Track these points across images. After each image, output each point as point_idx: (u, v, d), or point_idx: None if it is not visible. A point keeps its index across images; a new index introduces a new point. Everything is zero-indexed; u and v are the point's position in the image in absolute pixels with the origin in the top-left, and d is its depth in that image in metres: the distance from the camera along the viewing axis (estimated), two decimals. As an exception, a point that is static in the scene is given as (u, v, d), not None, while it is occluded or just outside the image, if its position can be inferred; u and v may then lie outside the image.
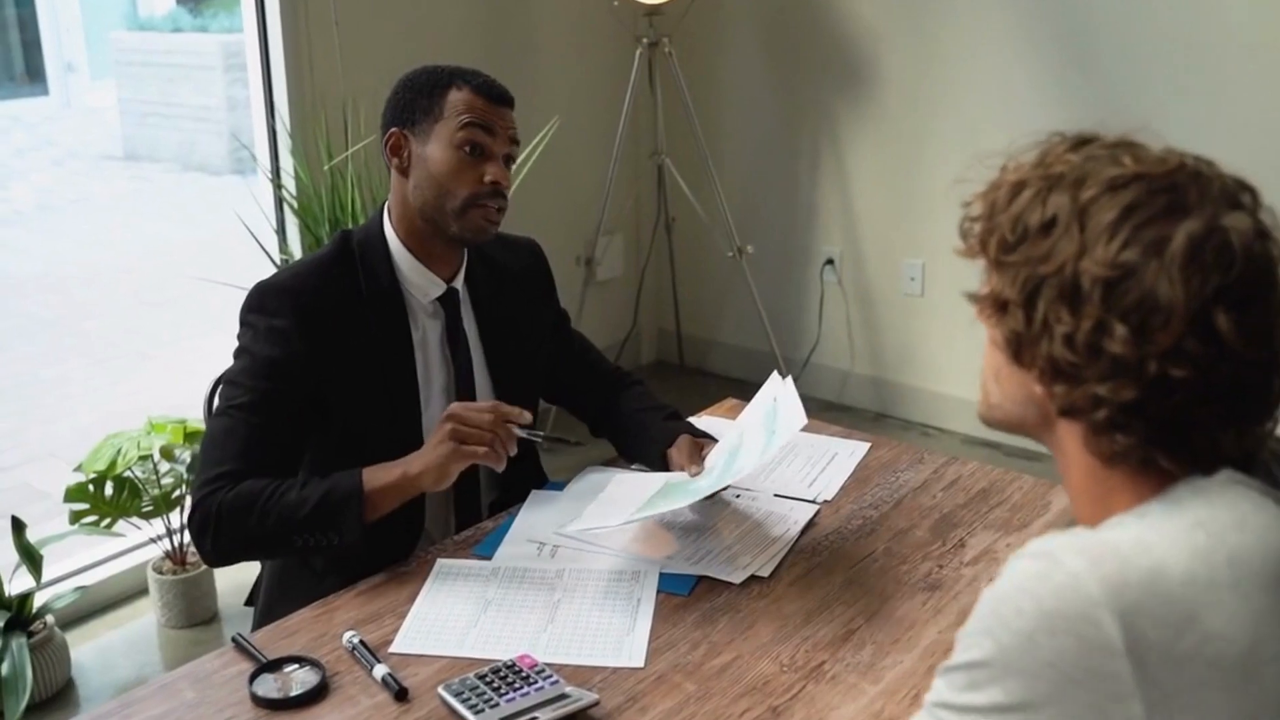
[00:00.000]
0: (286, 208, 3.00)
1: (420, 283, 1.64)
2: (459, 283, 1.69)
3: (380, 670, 1.27)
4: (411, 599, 1.43)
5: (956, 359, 3.55)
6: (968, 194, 0.92)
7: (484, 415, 1.50)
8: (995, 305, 0.89)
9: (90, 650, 2.65)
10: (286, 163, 3.04)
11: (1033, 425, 0.93)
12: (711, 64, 3.90)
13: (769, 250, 3.91)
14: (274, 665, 1.28)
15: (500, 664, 1.26)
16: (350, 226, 2.75)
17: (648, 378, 4.30)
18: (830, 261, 3.84)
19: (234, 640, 1.35)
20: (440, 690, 1.23)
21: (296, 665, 1.28)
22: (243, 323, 1.59)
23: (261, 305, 1.57)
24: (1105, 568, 0.77)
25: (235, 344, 1.60)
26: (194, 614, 2.73)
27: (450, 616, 1.39)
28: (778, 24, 3.77)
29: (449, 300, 1.67)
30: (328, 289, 1.59)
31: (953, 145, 3.46)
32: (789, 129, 3.84)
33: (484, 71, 1.63)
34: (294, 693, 1.24)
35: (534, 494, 1.70)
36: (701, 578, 1.47)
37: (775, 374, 1.66)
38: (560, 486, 1.73)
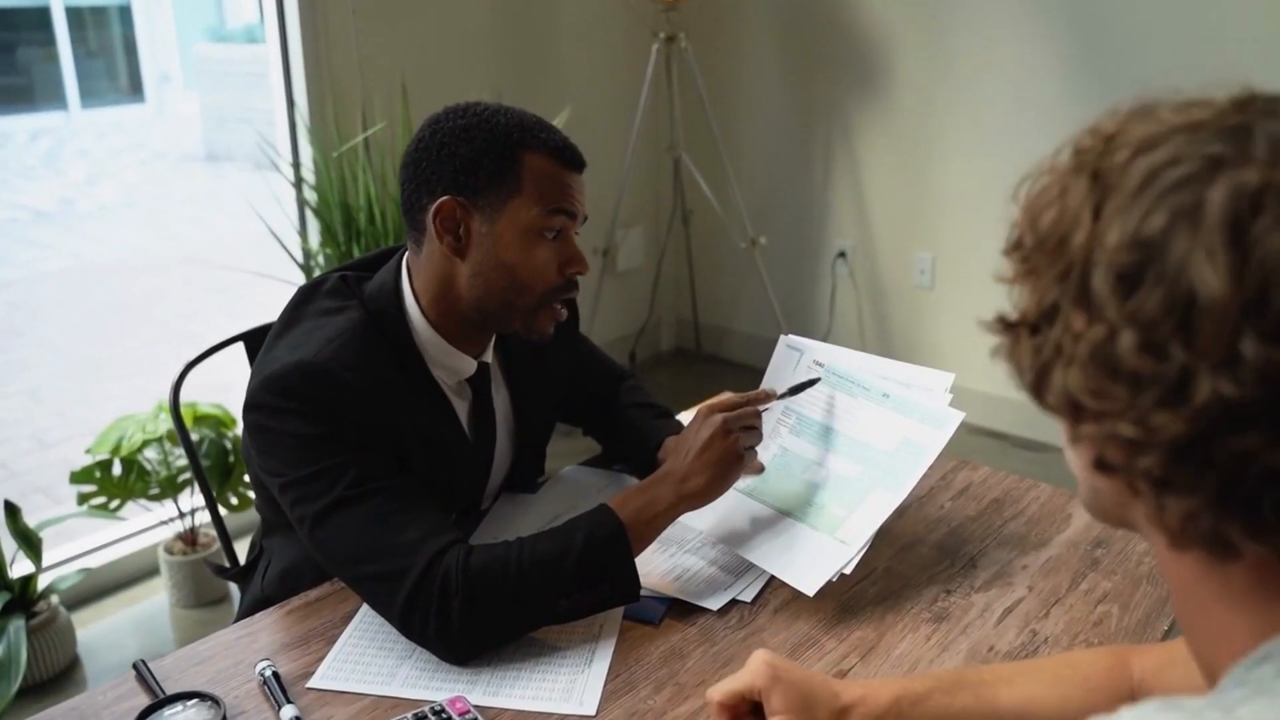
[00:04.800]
0: (303, 200, 2.71)
1: (449, 364, 1.23)
2: (489, 356, 1.28)
3: (288, 712, 0.97)
4: (348, 620, 1.13)
5: (965, 351, 3.19)
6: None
7: (751, 418, 1.18)
8: (1017, 336, 0.58)
9: (99, 630, 2.38)
10: (306, 156, 2.74)
11: (1127, 516, 0.59)
12: (727, 60, 3.55)
13: (783, 243, 3.57)
14: (169, 702, 0.98)
15: (426, 708, 0.96)
16: (357, 211, 2.49)
17: (667, 365, 4.01)
18: (842, 254, 3.49)
19: (135, 668, 1.05)
20: (351, 741, 0.93)
21: (193, 702, 0.98)
22: (274, 409, 1.10)
23: (302, 389, 1.09)
24: None
25: (265, 435, 1.12)
26: (204, 594, 2.46)
27: (384, 646, 1.08)
28: (793, 20, 3.42)
29: (479, 379, 1.27)
30: (362, 367, 1.12)
31: (964, 141, 3.10)
32: (803, 124, 3.48)
33: (552, 126, 1.18)
34: (182, 740, 0.94)
35: (504, 496, 1.39)
36: (674, 601, 1.15)
37: (784, 340, 1.34)
38: (535, 489, 1.41)
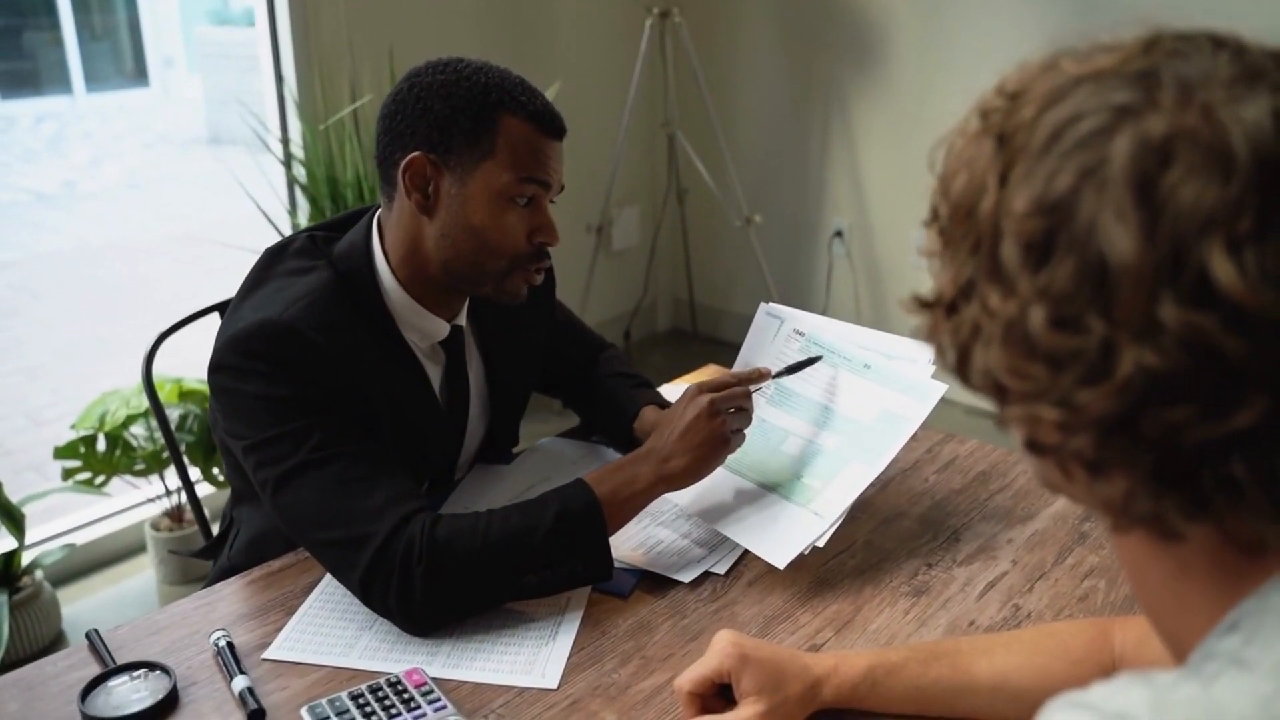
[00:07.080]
0: (292, 177, 2.66)
1: (421, 326, 1.18)
2: (462, 319, 1.24)
3: (240, 683, 0.93)
4: (309, 590, 1.09)
5: (962, 331, 3.14)
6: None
7: (742, 399, 1.13)
8: (934, 316, 0.54)
9: (86, 607, 2.35)
10: (296, 133, 2.69)
11: (1074, 495, 0.54)
12: (722, 35, 3.49)
13: (779, 222, 3.51)
14: (119, 672, 0.95)
15: (382, 680, 0.92)
16: (345, 187, 2.44)
17: (662, 345, 3.96)
18: (839, 233, 3.44)
19: (88, 637, 1.01)
20: (302, 712, 0.89)
21: (140, 673, 0.94)
22: (238, 369, 1.06)
23: (267, 350, 1.05)
24: None
25: (230, 396, 1.08)
26: (190, 570, 2.42)
27: (344, 616, 1.04)
28: (791, -3, 3.36)
29: (452, 343, 1.22)
30: (331, 327, 1.08)
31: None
32: (799, 102, 3.42)
33: (535, 89, 1.13)
34: (128, 710, 0.90)
35: (477, 467, 1.34)
36: (645, 574, 1.10)
37: (764, 308, 1.31)
38: (509, 460, 1.37)
